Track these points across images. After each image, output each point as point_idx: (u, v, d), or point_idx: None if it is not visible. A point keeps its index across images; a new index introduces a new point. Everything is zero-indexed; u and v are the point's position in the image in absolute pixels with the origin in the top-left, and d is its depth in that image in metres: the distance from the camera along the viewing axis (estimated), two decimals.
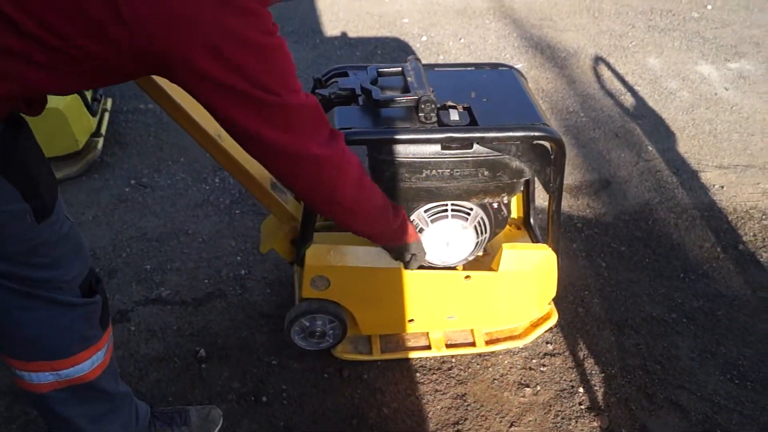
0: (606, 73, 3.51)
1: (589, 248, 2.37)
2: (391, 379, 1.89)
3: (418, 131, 1.55)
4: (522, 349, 1.99)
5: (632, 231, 2.45)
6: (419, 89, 1.59)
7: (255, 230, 2.36)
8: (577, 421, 1.80)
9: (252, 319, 2.05)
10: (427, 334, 1.98)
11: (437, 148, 1.57)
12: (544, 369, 1.94)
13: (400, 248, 1.63)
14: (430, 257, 1.76)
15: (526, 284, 1.85)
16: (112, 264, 2.23)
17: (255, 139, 1.14)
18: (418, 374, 1.91)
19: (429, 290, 1.80)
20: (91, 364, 1.32)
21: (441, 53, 3.67)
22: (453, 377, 1.91)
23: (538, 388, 1.89)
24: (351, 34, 3.85)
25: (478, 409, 1.83)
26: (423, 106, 1.55)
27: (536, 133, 1.57)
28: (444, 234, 1.71)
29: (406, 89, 1.63)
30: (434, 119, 1.57)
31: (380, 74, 1.70)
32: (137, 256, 2.26)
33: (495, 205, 1.73)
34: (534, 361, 1.96)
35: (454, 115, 1.59)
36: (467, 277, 1.79)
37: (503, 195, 1.70)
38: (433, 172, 1.61)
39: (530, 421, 1.80)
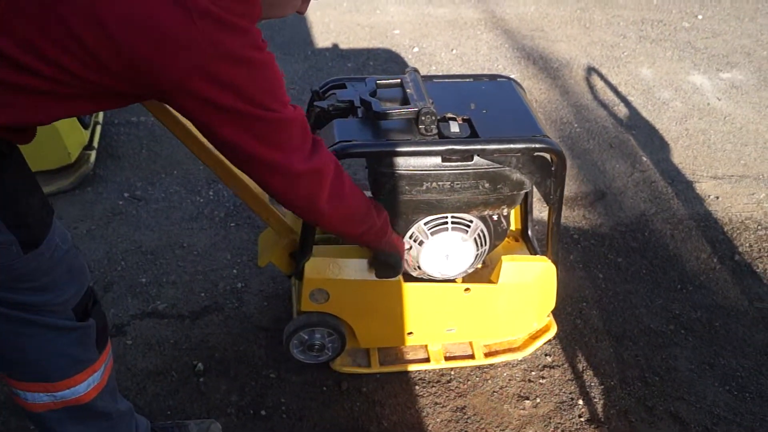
0: (599, 84, 3.53)
1: (586, 260, 2.37)
2: (391, 392, 1.88)
3: (418, 143, 1.54)
4: (521, 361, 1.98)
5: (629, 242, 2.46)
6: (419, 101, 1.59)
7: (251, 243, 2.35)
8: None
9: (249, 333, 2.03)
10: (426, 346, 1.97)
11: (438, 160, 1.57)
12: (544, 381, 1.93)
13: (384, 249, 1.61)
14: (430, 270, 1.75)
15: (526, 296, 1.84)
16: (107, 277, 2.20)
17: (247, 155, 1.14)
18: (417, 387, 1.90)
19: (428, 303, 1.80)
20: (86, 386, 1.30)
21: (433, 64, 3.68)
22: (452, 390, 1.90)
23: (538, 400, 1.88)
24: (342, 46, 3.85)
25: (478, 422, 1.82)
26: (423, 118, 1.55)
27: (537, 145, 1.57)
28: (444, 246, 1.71)
29: (405, 101, 1.62)
30: (435, 131, 1.56)
31: (379, 86, 1.70)
32: (132, 270, 2.24)
33: (495, 218, 1.73)
34: (533, 373, 1.95)
35: (454, 127, 1.59)
36: (467, 289, 1.78)
37: (503, 207, 1.69)
38: (434, 184, 1.60)
39: None
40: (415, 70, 1.75)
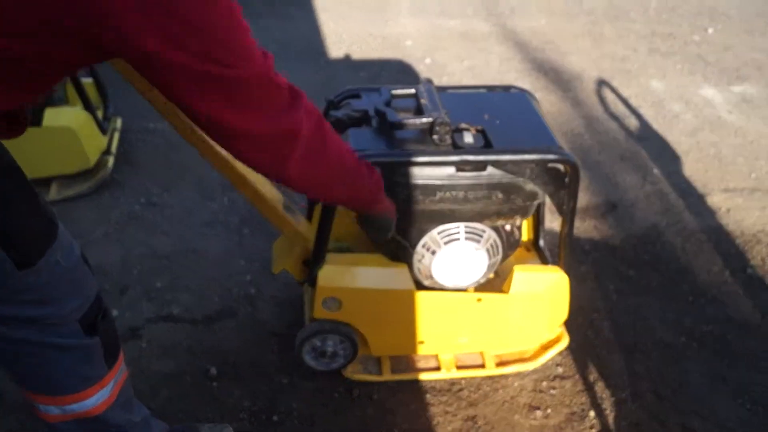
0: (609, 96, 3.55)
1: (597, 271, 2.37)
2: (402, 400, 1.88)
3: (432, 153, 1.56)
4: (532, 371, 1.98)
5: (640, 254, 2.46)
6: (433, 111, 1.61)
7: (264, 250, 2.37)
8: None
9: (262, 338, 2.05)
10: (437, 355, 1.98)
11: (451, 170, 1.59)
12: (555, 392, 1.94)
13: (374, 214, 1.48)
14: (442, 279, 1.77)
15: (538, 306, 1.85)
16: (123, 281, 2.23)
17: (199, 115, 0.99)
18: (428, 395, 1.91)
19: (440, 312, 1.81)
20: (95, 400, 1.30)
21: (445, 75, 3.71)
22: (463, 399, 1.90)
23: (549, 411, 1.88)
24: (355, 56, 3.89)
25: (489, 431, 1.82)
26: (437, 128, 1.57)
27: (552, 156, 1.58)
28: (456, 256, 1.72)
29: (419, 111, 1.65)
30: (449, 141, 1.58)
31: (393, 96, 1.72)
32: (148, 274, 2.26)
33: (507, 228, 1.74)
34: (544, 383, 1.96)
35: (468, 138, 1.61)
36: (479, 299, 1.79)
37: (516, 217, 1.71)
38: (447, 194, 1.62)
39: None
40: (429, 81, 1.77)
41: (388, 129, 1.62)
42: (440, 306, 1.79)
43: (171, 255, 2.35)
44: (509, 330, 1.89)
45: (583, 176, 2.88)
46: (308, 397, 1.88)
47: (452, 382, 1.94)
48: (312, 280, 1.73)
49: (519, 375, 1.97)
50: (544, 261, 1.90)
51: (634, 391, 1.94)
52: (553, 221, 2.44)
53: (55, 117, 2.44)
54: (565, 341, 1.99)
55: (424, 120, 1.58)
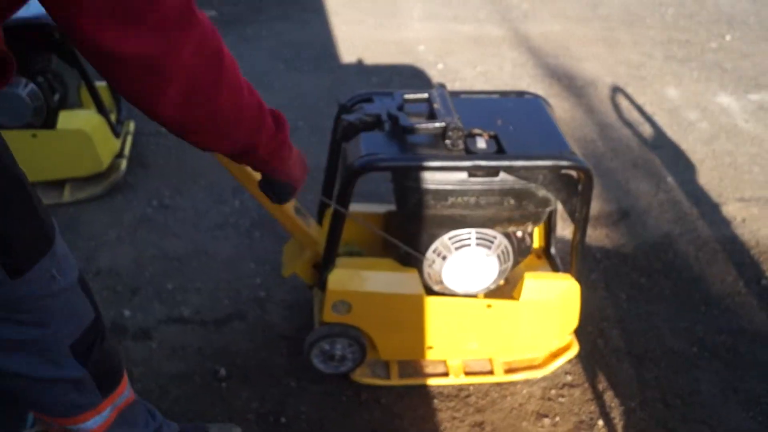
0: (624, 103, 3.53)
1: (608, 279, 2.36)
2: (409, 405, 1.88)
3: (445, 158, 1.56)
4: (541, 379, 1.97)
5: (652, 262, 2.44)
6: (446, 116, 1.61)
7: (274, 253, 2.38)
8: None
9: (271, 341, 2.05)
10: (445, 361, 1.97)
11: (463, 175, 1.58)
12: (563, 400, 1.92)
13: (276, 177, 1.24)
14: (453, 285, 1.76)
15: (548, 314, 1.84)
16: (135, 283, 2.25)
17: (66, 26, 0.79)
18: (436, 401, 1.90)
19: (450, 318, 1.80)
20: (93, 423, 1.30)
21: (457, 80, 3.70)
22: (471, 405, 1.89)
23: (557, 419, 1.87)
24: (367, 61, 3.89)
25: None
26: (450, 133, 1.57)
27: (565, 162, 1.58)
28: (467, 262, 1.72)
29: (432, 116, 1.64)
30: (461, 146, 1.58)
31: (406, 100, 1.72)
32: (159, 275, 2.28)
33: (519, 234, 1.73)
34: (553, 391, 1.95)
35: (481, 143, 1.61)
36: (489, 305, 1.78)
37: (528, 224, 1.70)
38: (459, 199, 1.62)
39: None
40: (442, 86, 1.77)
41: (400, 133, 1.62)
42: (450, 311, 1.79)
43: (182, 257, 2.36)
44: (519, 337, 1.88)
45: (596, 183, 2.85)
46: (316, 400, 1.88)
47: (460, 388, 1.94)
48: (322, 284, 1.73)
49: (528, 382, 1.96)
50: (555, 268, 1.89)
51: (643, 399, 1.93)
52: (564, 229, 2.43)
53: (69, 120, 2.47)
54: (574, 349, 1.98)
55: (437, 125, 1.58)
